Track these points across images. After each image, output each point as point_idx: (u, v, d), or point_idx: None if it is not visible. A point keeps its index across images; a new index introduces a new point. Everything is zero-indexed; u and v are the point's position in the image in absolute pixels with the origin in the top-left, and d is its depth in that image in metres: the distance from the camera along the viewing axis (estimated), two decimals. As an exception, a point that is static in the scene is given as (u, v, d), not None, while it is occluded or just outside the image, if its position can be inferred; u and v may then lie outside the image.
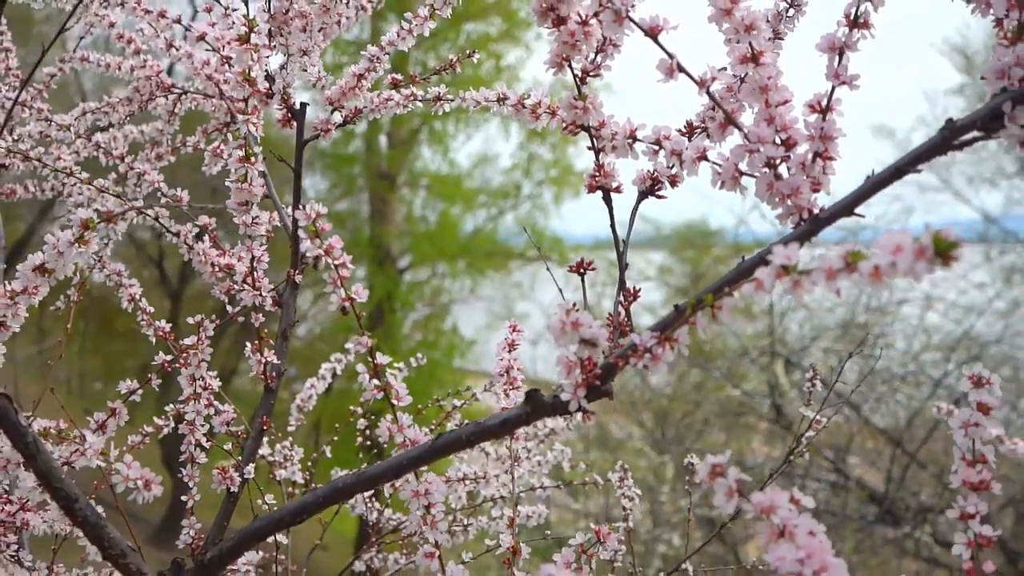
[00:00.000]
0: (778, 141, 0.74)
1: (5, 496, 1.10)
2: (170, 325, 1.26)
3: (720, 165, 0.79)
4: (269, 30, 1.20)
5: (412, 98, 1.28)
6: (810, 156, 0.73)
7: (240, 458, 1.11)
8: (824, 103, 0.73)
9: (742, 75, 0.75)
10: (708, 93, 0.77)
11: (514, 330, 1.13)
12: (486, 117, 9.31)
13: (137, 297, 1.30)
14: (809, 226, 0.70)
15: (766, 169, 0.74)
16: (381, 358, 0.79)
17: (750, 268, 0.68)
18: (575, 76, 0.84)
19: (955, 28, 7.52)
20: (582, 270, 0.91)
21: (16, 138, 1.52)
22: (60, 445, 0.88)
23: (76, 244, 0.85)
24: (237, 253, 1.20)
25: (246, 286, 1.15)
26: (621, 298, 0.84)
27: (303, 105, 1.25)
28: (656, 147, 0.86)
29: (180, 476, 1.14)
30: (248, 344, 1.16)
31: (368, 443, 1.71)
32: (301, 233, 0.75)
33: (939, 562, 5.68)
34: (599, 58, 0.85)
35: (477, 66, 8.32)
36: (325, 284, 0.76)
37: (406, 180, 10.30)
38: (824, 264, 0.53)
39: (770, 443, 7.22)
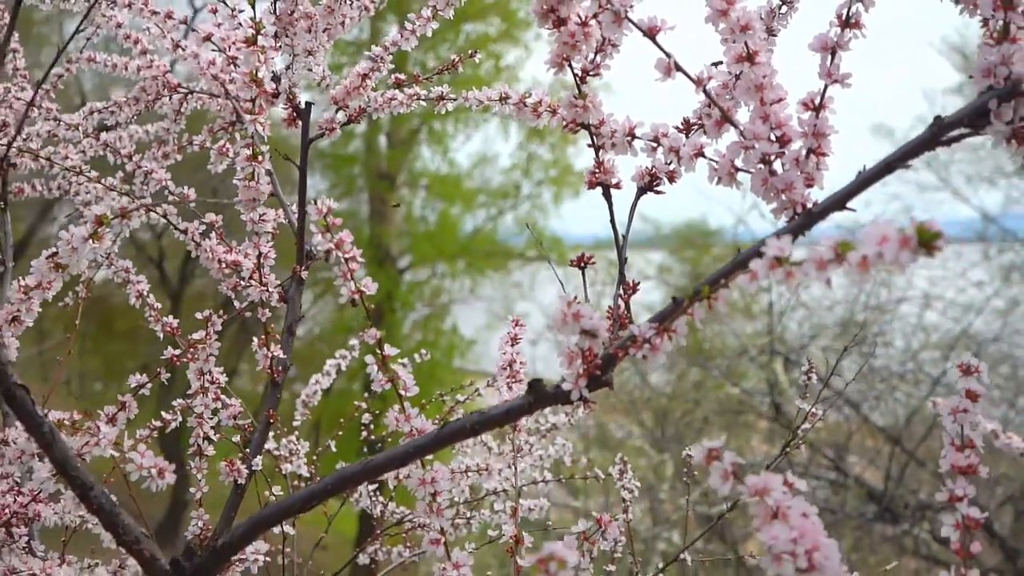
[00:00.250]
0: (773, 138, 0.76)
1: (17, 488, 1.13)
2: (177, 321, 1.29)
3: (717, 161, 0.81)
4: (275, 31, 1.22)
5: (415, 97, 1.30)
6: (804, 152, 0.75)
7: (248, 450, 1.14)
8: (817, 101, 0.76)
9: (738, 74, 0.77)
10: (705, 91, 0.80)
11: (517, 325, 1.16)
12: (485, 117, 9.33)
13: (145, 293, 1.33)
14: (802, 220, 0.72)
15: (761, 165, 0.77)
16: (389, 349, 0.81)
17: (745, 260, 0.70)
18: (575, 75, 0.86)
19: (954, 28, 7.55)
20: (583, 264, 0.93)
21: (25, 137, 1.54)
22: (74, 436, 0.90)
23: (90, 240, 0.87)
24: (244, 250, 1.22)
25: (253, 282, 1.17)
26: (620, 291, 0.87)
27: (308, 104, 1.28)
28: (654, 144, 0.88)
29: (180, 475, 1.16)
30: (255, 339, 1.18)
31: (372, 438, 1.74)
32: (312, 228, 0.77)
33: (938, 560, 5.71)
34: (598, 58, 0.88)
35: (477, 66, 8.34)
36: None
37: (406, 180, 10.32)
38: (815, 255, 0.55)
39: (769, 441, 7.24)
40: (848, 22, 0.74)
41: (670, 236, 9.65)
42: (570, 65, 0.84)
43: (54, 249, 0.88)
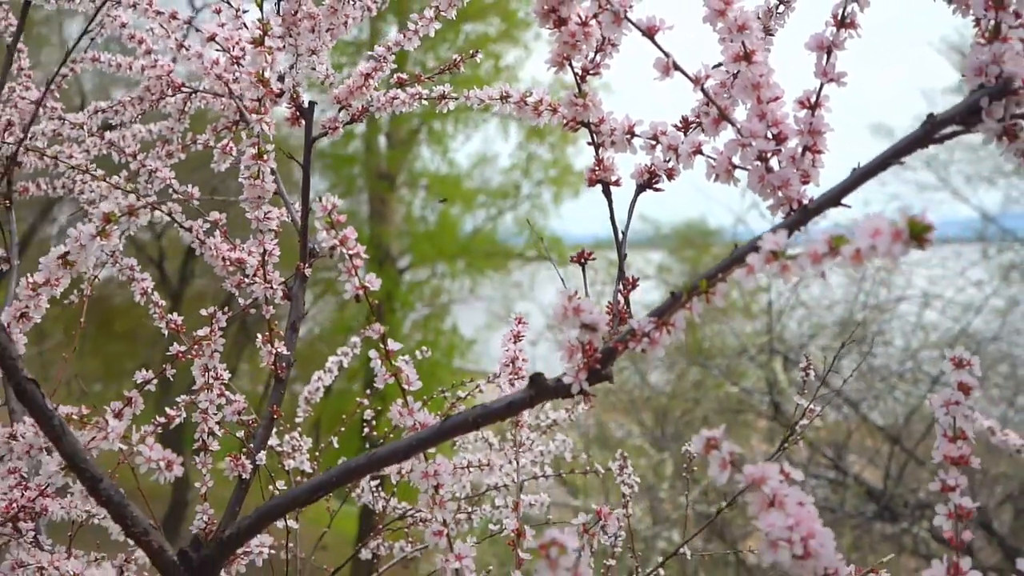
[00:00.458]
0: (769, 136, 0.78)
1: (24, 483, 1.14)
2: (181, 318, 1.30)
3: (714, 159, 0.82)
4: (280, 31, 1.23)
5: (417, 96, 1.31)
6: (800, 150, 0.77)
7: (252, 445, 1.15)
8: (813, 99, 0.77)
9: (735, 72, 0.79)
10: (703, 90, 0.81)
11: (519, 322, 1.17)
12: (485, 117, 9.34)
13: (149, 291, 1.34)
14: (798, 215, 0.74)
15: (758, 162, 0.78)
16: (392, 344, 0.83)
17: (742, 255, 0.71)
18: (575, 75, 0.88)
19: (953, 27, 7.56)
20: (583, 260, 0.95)
21: (30, 136, 1.55)
22: (82, 430, 0.91)
23: (98, 237, 0.88)
24: (248, 247, 1.24)
25: (257, 279, 1.18)
26: (620, 286, 0.88)
27: (311, 104, 1.29)
28: (653, 142, 0.90)
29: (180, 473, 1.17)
30: (259, 335, 1.20)
31: (374, 433, 1.75)
32: (317, 224, 0.78)
33: (937, 558, 5.70)
34: (598, 57, 0.89)
35: (477, 66, 8.35)
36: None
37: (405, 180, 10.33)
38: (809, 249, 0.57)
39: (769, 441, 7.25)
40: (843, 22, 0.75)
41: (670, 236, 9.68)
42: (570, 64, 0.85)
43: (64, 248, 0.90)
